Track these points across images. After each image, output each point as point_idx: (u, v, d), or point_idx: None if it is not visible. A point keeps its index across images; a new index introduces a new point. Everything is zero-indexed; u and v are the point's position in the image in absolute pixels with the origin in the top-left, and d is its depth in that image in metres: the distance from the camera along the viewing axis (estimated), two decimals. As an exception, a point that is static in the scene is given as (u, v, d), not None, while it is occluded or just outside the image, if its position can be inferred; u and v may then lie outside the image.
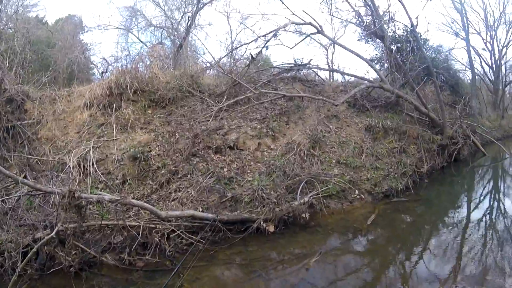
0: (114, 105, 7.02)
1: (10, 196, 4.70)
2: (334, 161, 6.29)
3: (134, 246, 4.20)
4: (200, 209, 5.04)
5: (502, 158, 12.12)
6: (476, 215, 5.78)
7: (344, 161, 6.36)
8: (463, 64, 19.11)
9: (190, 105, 6.72)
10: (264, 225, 4.83)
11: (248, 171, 5.63)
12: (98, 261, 4.01)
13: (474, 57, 19.35)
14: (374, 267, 4.09)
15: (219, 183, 5.33)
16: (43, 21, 16.35)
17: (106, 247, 4.30)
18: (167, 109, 6.80)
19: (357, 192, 6.00)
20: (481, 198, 7.41)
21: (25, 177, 5.34)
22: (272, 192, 5.19)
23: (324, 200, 5.53)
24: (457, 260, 3.94)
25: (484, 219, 5.58)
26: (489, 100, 20.66)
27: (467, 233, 4.92)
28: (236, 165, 5.68)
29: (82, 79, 10.68)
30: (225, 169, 5.55)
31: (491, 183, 9.20)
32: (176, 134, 6.04)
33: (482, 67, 21.08)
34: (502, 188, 8.46)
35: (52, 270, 3.70)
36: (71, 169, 6.03)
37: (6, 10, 12.10)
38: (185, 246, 4.58)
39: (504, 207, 6.32)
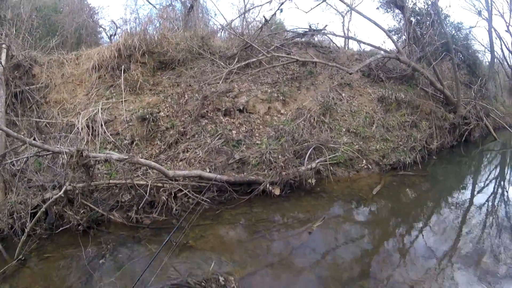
0: (123, 67, 6.93)
1: (18, 158, 4.74)
2: (344, 130, 6.20)
3: (142, 205, 4.29)
4: (208, 170, 5.09)
5: None
6: (479, 199, 5.71)
7: (354, 130, 6.27)
8: (483, 45, 18.20)
9: (200, 67, 6.59)
10: (270, 188, 4.87)
11: (257, 134, 5.59)
12: (106, 219, 4.11)
13: (495, 39, 18.35)
14: (374, 238, 4.13)
15: (227, 145, 5.33)
16: (50, -14, 15.81)
17: (114, 205, 4.41)
18: (176, 71, 6.68)
19: (364, 162, 5.96)
20: (486, 182, 7.30)
21: (34, 139, 5.37)
22: (279, 156, 5.17)
23: (331, 168, 5.51)
24: (455, 240, 3.95)
25: (486, 204, 5.52)
26: (505, 85, 19.84)
27: (468, 215, 4.88)
28: (245, 128, 5.64)
29: (90, 42, 10.50)
30: (234, 132, 5.52)
31: (498, 169, 9.03)
32: (185, 96, 5.97)
33: (502, 50, 20.05)
34: (508, 176, 8.31)
35: (60, 229, 3.79)
36: (80, 130, 6.08)
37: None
38: (192, 205, 4.65)
39: (507, 195, 6.22)
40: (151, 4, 13.33)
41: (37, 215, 3.70)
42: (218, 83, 6.00)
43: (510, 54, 19.70)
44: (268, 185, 4.86)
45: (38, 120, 6.12)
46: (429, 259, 3.47)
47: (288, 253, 3.64)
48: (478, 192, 6.29)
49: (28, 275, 3.19)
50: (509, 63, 19.89)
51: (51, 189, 4.22)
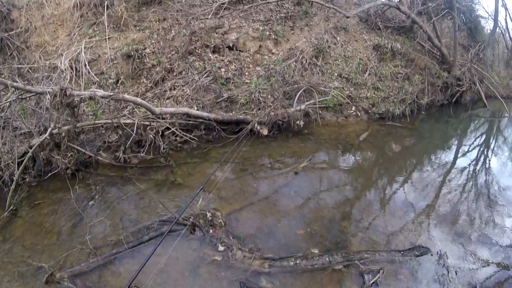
0: (106, 3, 6.47)
1: (1, 103, 4.55)
2: (335, 74, 6.08)
3: (129, 144, 4.22)
4: (195, 108, 5.00)
5: (500, 116, 11.94)
6: (461, 162, 5.78)
7: (346, 76, 6.16)
8: (487, 12, 17.60)
9: (187, 0, 6.17)
10: (258, 127, 4.85)
11: (246, 73, 5.44)
12: (93, 161, 4.06)
13: (501, 8, 17.68)
14: (357, 185, 4.22)
15: (215, 83, 5.19)
16: None
17: (101, 146, 4.35)
18: (163, 5, 6.26)
19: (354, 108, 5.94)
20: (471, 147, 7.39)
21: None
22: (269, 96, 5.09)
23: (320, 111, 5.49)
24: (434, 198, 4.04)
25: (468, 169, 5.60)
26: (504, 56, 19.57)
27: (449, 176, 4.96)
28: (234, 66, 5.46)
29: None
30: (223, 70, 5.34)
31: (484, 137, 9.15)
32: (172, 31, 5.66)
33: (506, 21, 19.46)
34: (492, 145, 8.44)
35: (49, 174, 3.73)
36: (63, 70, 5.84)
37: None
38: (179, 144, 4.64)
39: (489, 163, 6.33)
40: None
41: (23, 162, 3.60)
42: (207, 18, 5.67)
43: (513, 27, 19.21)
44: (256, 125, 4.83)
45: (19, 66, 5.85)
46: (408, 212, 3.58)
47: (273, 191, 3.73)
48: (462, 156, 6.40)
49: (20, 224, 3.18)
50: (511, 35, 19.45)
51: (37, 134, 4.07)
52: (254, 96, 5.02)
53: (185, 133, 4.73)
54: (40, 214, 3.32)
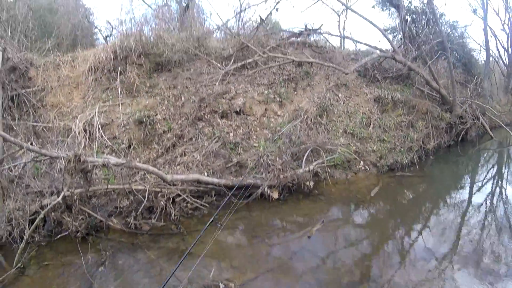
0: (119, 69, 6.87)
1: (16, 163, 4.69)
2: (341, 131, 6.21)
3: (140, 210, 4.25)
4: (206, 174, 5.07)
5: (508, 143, 11.91)
6: (477, 198, 5.73)
7: (351, 131, 6.28)
8: (478, 44, 18.33)
9: (196, 68, 6.55)
10: (268, 191, 4.86)
11: (254, 136, 5.58)
12: (104, 226, 4.08)
13: (490, 37, 18.48)
14: (374, 240, 4.14)
15: (224, 148, 5.31)
16: (45, -14, 15.62)
17: (112, 211, 4.37)
18: (172, 73, 6.63)
19: (362, 163, 5.97)
20: (484, 182, 7.33)
21: (31, 144, 5.30)
22: (277, 159, 5.17)
23: (328, 169, 5.52)
24: (454, 241, 3.97)
25: (484, 204, 5.54)
26: (501, 84, 19.95)
27: (467, 215, 4.91)
28: (242, 130, 5.63)
29: (86, 44, 10.40)
30: (231, 134, 5.50)
31: (495, 168, 9.09)
32: (182, 98, 5.93)
33: (497, 49, 20.20)
34: (505, 175, 8.34)
35: (59, 236, 3.77)
36: (77, 134, 6.03)
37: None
38: (190, 210, 4.64)
39: (505, 194, 6.25)
40: (146, 4, 13.24)
41: (35, 222, 3.67)
42: (215, 84, 5.98)
43: (506, 53, 19.87)
44: (266, 189, 4.84)
45: (35, 124, 6.05)
46: (429, 260, 3.48)
47: (287, 257, 3.65)
48: (476, 192, 6.33)
49: (27, 283, 3.17)
50: (505, 61, 20.03)
51: (49, 195, 4.16)
52: (263, 160, 5.10)
53: (196, 200, 4.74)
54: (49, 275, 3.29)
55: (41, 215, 3.72)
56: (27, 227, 3.65)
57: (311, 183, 5.13)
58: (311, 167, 5.28)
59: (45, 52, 7.69)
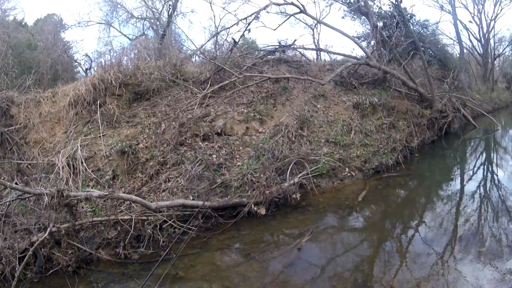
0: (99, 101, 6.93)
1: (1, 202, 4.69)
2: (323, 141, 6.30)
3: (128, 240, 4.22)
4: (191, 197, 5.05)
5: (493, 130, 12.21)
6: (470, 187, 5.82)
7: (333, 140, 6.38)
8: (451, 38, 19.00)
9: (174, 95, 6.65)
10: (255, 208, 4.85)
11: (237, 156, 5.63)
12: (94, 258, 4.04)
13: (461, 31, 19.26)
14: (369, 243, 4.13)
15: (208, 170, 5.33)
16: (23, 23, 15.87)
17: (101, 243, 4.31)
18: (151, 101, 6.72)
19: (347, 170, 6.04)
20: (474, 170, 7.46)
21: (15, 182, 5.26)
22: (261, 175, 5.19)
23: (314, 180, 5.56)
24: (453, 232, 3.97)
25: (478, 191, 5.61)
26: (478, 73, 20.63)
27: (462, 205, 4.94)
28: (225, 151, 5.67)
29: (67, 78, 10.49)
30: (214, 156, 5.54)
31: (484, 155, 9.28)
32: (162, 125, 5.99)
33: (470, 40, 21.01)
34: (494, 160, 8.51)
35: (51, 271, 3.74)
36: (61, 169, 6.00)
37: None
38: (178, 235, 4.59)
39: (497, 178, 6.35)
40: (124, 35, 13.55)
41: (25, 259, 3.63)
42: (194, 108, 6.06)
43: (479, 43, 20.68)
44: (253, 206, 4.84)
45: (19, 162, 5.99)
46: (430, 254, 3.48)
47: (280, 272, 3.63)
48: (468, 181, 6.42)
49: None
50: (479, 51, 20.80)
51: (36, 231, 4.12)
52: (247, 178, 5.12)
53: (182, 224, 4.69)
54: None
55: (30, 252, 3.68)
56: (17, 264, 3.60)
57: (298, 195, 5.14)
58: (296, 180, 5.30)
59: (26, 89, 7.72)
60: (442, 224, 4.25)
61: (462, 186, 6.13)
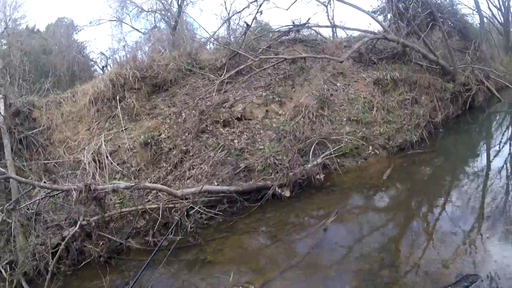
0: (118, 96, 7.03)
1: (31, 201, 4.84)
2: (344, 119, 6.18)
3: (157, 228, 4.35)
4: (215, 183, 5.11)
5: None
6: (496, 163, 5.61)
7: (355, 118, 6.24)
8: (470, 8, 17.83)
9: (191, 83, 6.67)
10: (279, 190, 4.86)
11: (259, 139, 5.62)
12: (124, 247, 4.20)
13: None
14: (396, 222, 4.07)
15: (230, 155, 5.36)
16: (35, 30, 16.30)
17: (130, 232, 4.48)
18: (170, 91, 6.77)
19: (371, 148, 5.91)
20: (501, 145, 7.15)
21: (44, 181, 5.39)
22: (284, 158, 5.17)
23: (337, 160, 5.48)
24: (480, 210, 3.86)
25: (505, 167, 5.40)
26: (500, 43, 19.39)
27: (489, 182, 4.80)
28: (246, 135, 5.67)
29: (85, 77, 10.75)
30: (235, 141, 5.56)
31: (510, 129, 8.86)
32: (183, 114, 6.04)
33: (490, 9, 19.67)
34: None
35: (83, 263, 3.90)
36: (87, 165, 6.18)
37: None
38: (205, 220, 4.69)
39: None
40: (136, 29, 13.62)
41: (58, 253, 3.82)
42: (212, 95, 6.06)
43: (499, 12, 19.38)
44: (277, 188, 4.85)
45: (46, 162, 6.21)
46: (458, 233, 3.43)
47: (306, 253, 3.65)
48: (494, 156, 6.18)
49: None
50: (500, 20, 19.51)
51: (67, 226, 4.32)
52: (270, 161, 5.12)
53: (209, 210, 4.79)
54: None
55: (62, 246, 3.88)
56: (50, 259, 3.80)
57: (322, 176, 5.11)
58: (319, 160, 5.25)
59: (45, 93, 7.91)
60: (468, 202, 4.15)
61: (489, 162, 5.90)
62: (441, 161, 6.32)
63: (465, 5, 17.72)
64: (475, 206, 3.99)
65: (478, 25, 16.69)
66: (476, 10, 16.89)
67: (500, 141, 7.58)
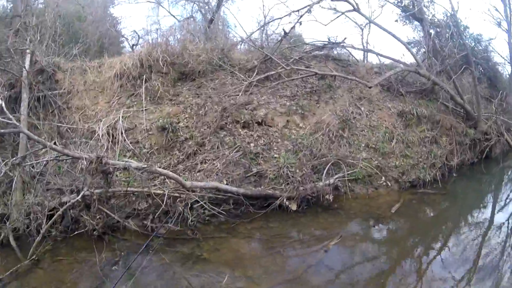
0: (144, 76, 7.07)
1: (38, 161, 4.87)
2: (363, 145, 6.14)
3: (158, 214, 4.35)
4: (225, 182, 5.11)
5: None
6: (500, 218, 5.54)
7: (373, 146, 6.20)
8: (503, 58, 17.63)
9: (220, 79, 6.70)
10: (287, 202, 4.85)
11: (275, 147, 5.61)
12: (121, 226, 4.19)
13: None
14: (391, 257, 4.08)
15: (245, 157, 5.36)
16: (73, -5, 16.49)
17: (130, 213, 4.49)
18: (196, 82, 6.80)
19: (383, 178, 5.86)
20: (507, 201, 7.07)
21: (54, 143, 5.45)
22: (297, 171, 5.15)
23: (349, 184, 5.46)
24: (474, 262, 3.87)
25: (507, 223, 5.35)
26: (527, 98, 19.08)
27: (488, 235, 4.76)
28: (263, 141, 5.67)
29: (112, 51, 10.85)
30: (252, 144, 5.56)
31: None
32: (205, 107, 6.06)
33: (522, 63, 19.40)
34: None
35: (76, 232, 3.90)
36: (101, 136, 6.21)
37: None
38: (207, 217, 4.68)
39: None
40: (172, 15, 13.74)
41: (53, 218, 3.81)
42: (238, 95, 6.09)
43: (531, 67, 19.10)
44: (285, 200, 4.84)
45: (59, 125, 6.24)
46: (447, 281, 3.42)
47: (303, 270, 3.61)
48: (499, 211, 6.11)
49: (40, 275, 3.29)
50: (529, 74, 19.23)
51: (68, 193, 4.34)
52: (283, 171, 5.10)
53: (213, 207, 4.78)
54: (62, 269, 3.40)
55: (60, 212, 3.86)
56: (44, 221, 3.78)
57: (331, 197, 5.07)
58: (331, 181, 5.23)
59: (72, 57, 7.96)
60: (464, 251, 4.14)
61: (492, 215, 5.87)
62: (448, 205, 6.26)
63: (499, 53, 17.48)
64: (470, 257, 3.99)
65: (508, 76, 16.54)
66: (509, 61, 16.75)
67: (507, 197, 7.51)
